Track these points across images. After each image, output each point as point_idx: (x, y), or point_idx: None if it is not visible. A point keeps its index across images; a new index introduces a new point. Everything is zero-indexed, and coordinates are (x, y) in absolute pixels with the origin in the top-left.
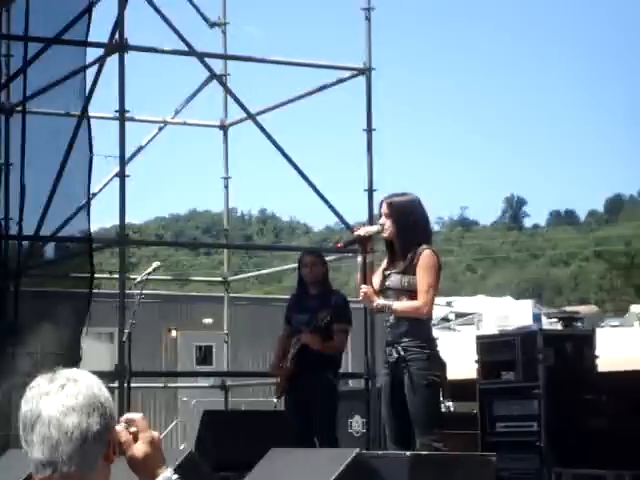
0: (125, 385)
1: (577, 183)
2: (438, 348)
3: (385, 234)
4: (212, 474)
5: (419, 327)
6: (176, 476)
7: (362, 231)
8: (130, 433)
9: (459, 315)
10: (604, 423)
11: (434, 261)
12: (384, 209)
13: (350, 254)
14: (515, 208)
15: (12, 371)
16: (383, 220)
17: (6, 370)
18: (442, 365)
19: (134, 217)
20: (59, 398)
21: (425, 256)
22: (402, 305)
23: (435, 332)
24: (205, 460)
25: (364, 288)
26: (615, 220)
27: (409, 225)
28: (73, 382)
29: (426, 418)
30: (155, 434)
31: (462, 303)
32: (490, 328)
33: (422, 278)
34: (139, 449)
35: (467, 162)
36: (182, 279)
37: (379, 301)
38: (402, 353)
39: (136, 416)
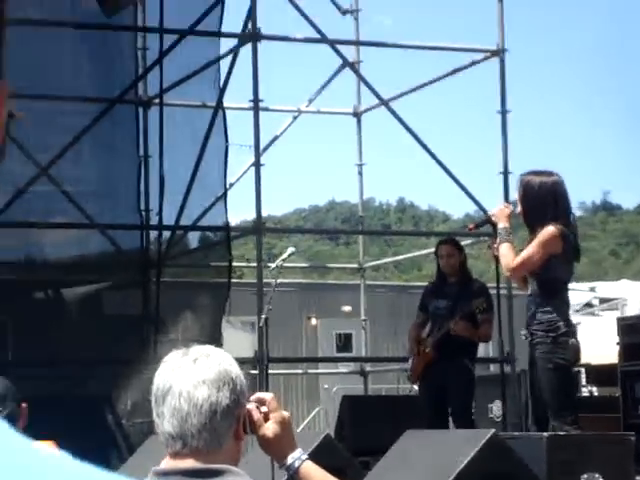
0: (264, 371)
1: None
2: (569, 331)
3: (516, 211)
4: (349, 457)
5: (545, 312)
6: (306, 456)
7: (495, 209)
8: (261, 412)
9: (603, 300)
10: None
11: (550, 237)
12: (517, 185)
13: (487, 238)
14: None
15: (154, 359)
16: (515, 196)
17: (149, 358)
18: (571, 348)
19: (274, 210)
20: (191, 371)
21: (544, 231)
22: (503, 250)
23: (578, 317)
24: (345, 445)
25: (503, 204)
26: None
27: (534, 203)
28: (205, 357)
29: (555, 401)
30: (286, 414)
31: (606, 288)
32: (634, 312)
33: (529, 246)
34: (270, 429)
35: (609, 144)
36: (319, 266)
37: (504, 225)
38: (529, 337)
39: (267, 396)
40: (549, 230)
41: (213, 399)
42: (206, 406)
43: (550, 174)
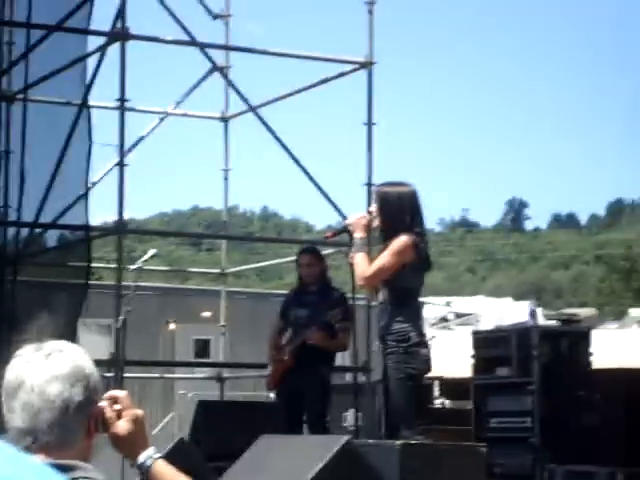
0: (119, 374)
1: (579, 187)
2: (421, 341)
3: (374, 223)
4: (203, 460)
5: (397, 321)
6: (159, 454)
7: (351, 218)
8: (114, 410)
9: (458, 315)
10: (597, 420)
11: (403, 246)
12: (373, 196)
13: (346, 247)
14: (517, 210)
15: (8, 358)
16: (372, 208)
17: (1, 357)
18: (422, 359)
19: (137, 213)
20: (44, 366)
21: (397, 240)
22: (357, 259)
23: (434, 331)
24: (199, 449)
25: (358, 215)
26: (616, 224)
27: (392, 215)
28: (59, 352)
29: (405, 411)
30: (139, 412)
31: (461, 303)
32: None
33: (382, 255)
34: (123, 427)
35: (469, 163)
36: (180, 270)
37: (360, 235)
38: (381, 346)
39: (120, 393)
40: (402, 239)
41: (66, 395)
42: (58, 402)
43: (406, 184)
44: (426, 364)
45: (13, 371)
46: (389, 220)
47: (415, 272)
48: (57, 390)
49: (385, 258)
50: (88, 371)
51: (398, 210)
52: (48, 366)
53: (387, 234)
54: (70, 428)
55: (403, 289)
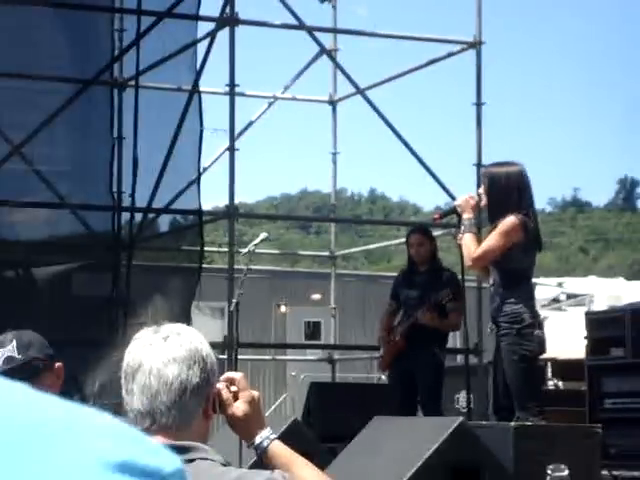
0: (233, 356)
1: None
2: (535, 323)
3: (482, 202)
4: (317, 442)
5: (509, 303)
6: (275, 435)
7: (459, 200)
8: (230, 392)
9: (570, 296)
10: None
11: (511, 226)
12: (482, 177)
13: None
14: (629, 189)
15: (123, 341)
16: (481, 189)
17: (117, 340)
18: (536, 340)
19: (246, 197)
20: (161, 349)
21: (505, 221)
22: (465, 240)
23: (546, 312)
24: (313, 431)
25: (466, 196)
26: None
27: (499, 195)
28: (176, 335)
29: (520, 392)
30: (255, 393)
31: (573, 284)
32: (601, 308)
33: (490, 236)
34: (239, 408)
35: (580, 141)
36: (290, 254)
37: (468, 216)
38: (494, 328)
39: (237, 375)
40: (510, 220)
41: (183, 377)
42: (176, 384)
43: (514, 164)
44: (540, 346)
45: (131, 354)
46: (497, 200)
47: (526, 252)
48: (175, 372)
49: (493, 239)
50: (205, 353)
51: (506, 190)
52: (166, 349)
53: (495, 215)
54: (188, 410)
55: (514, 270)
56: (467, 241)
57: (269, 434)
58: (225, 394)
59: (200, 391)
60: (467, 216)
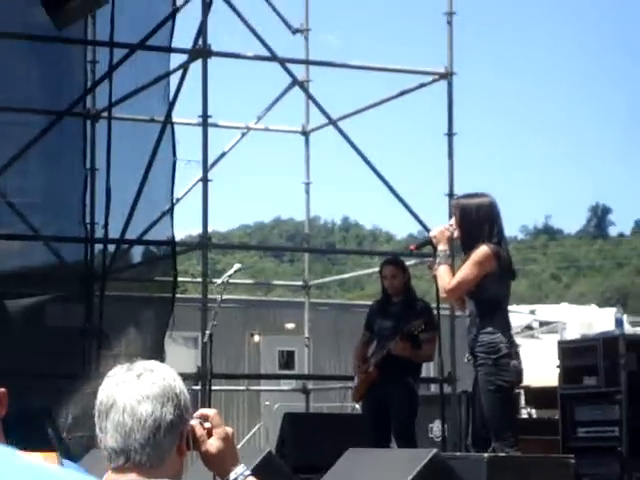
0: (207, 387)
1: None
2: (511, 353)
3: (454, 234)
4: (291, 474)
5: (485, 333)
6: (249, 472)
7: (434, 231)
8: (204, 428)
9: (543, 323)
10: None
11: (483, 256)
12: (453, 209)
13: (430, 259)
14: (600, 216)
15: (96, 373)
16: (452, 220)
17: (91, 372)
18: (513, 370)
19: (219, 225)
20: (135, 386)
21: (477, 251)
22: (440, 272)
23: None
24: (286, 462)
25: (441, 227)
26: None
27: (471, 226)
28: (149, 372)
29: (496, 423)
30: (229, 430)
31: (546, 311)
32: (574, 336)
33: (464, 266)
34: (213, 445)
35: (551, 170)
36: (264, 283)
37: (443, 248)
38: (471, 359)
39: (210, 412)
40: (482, 250)
41: (157, 414)
42: (150, 421)
43: (484, 195)
44: (517, 375)
45: (104, 392)
46: (469, 232)
47: (499, 282)
48: (148, 410)
49: (467, 269)
50: (178, 390)
51: (477, 221)
52: (139, 386)
53: (467, 245)
54: (162, 447)
55: (489, 300)
56: (442, 273)
57: (243, 470)
58: (199, 431)
59: (174, 428)
60: (442, 247)
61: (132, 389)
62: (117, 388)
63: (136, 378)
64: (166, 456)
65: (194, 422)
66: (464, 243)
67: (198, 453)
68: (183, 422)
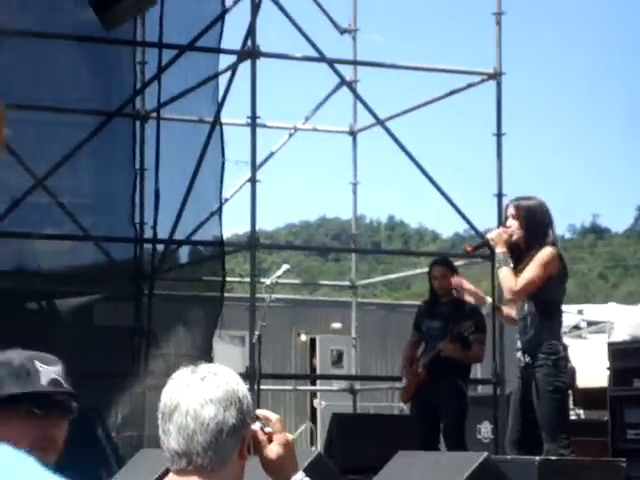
0: (255, 387)
1: None
2: (567, 355)
3: (514, 237)
4: (339, 475)
5: (545, 334)
6: (308, 479)
7: (492, 234)
8: (265, 433)
9: (590, 323)
10: None
11: (549, 257)
12: (511, 211)
13: (480, 259)
14: None
15: (146, 373)
16: (510, 222)
17: (140, 371)
18: (569, 372)
19: (265, 224)
20: (198, 389)
21: (543, 252)
22: (504, 274)
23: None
24: (333, 463)
25: (498, 230)
26: None
27: (535, 228)
28: (213, 375)
29: (552, 424)
30: (290, 437)
31: (593, 311)
32: (622, 336)
33: (529, 267)
34: (273, 450)
35: (599, 169)
36: (311, 283)
37: (501, 250)
38: (528, 360)
39: (273, 417)
40: (548, 251)
41: (220, 418)
42: (212, 425)
43: (535, 198)
44: (572, 377)
45: (168, 394)
46: (534, 233)
47: (559, 284)
48: (211, 413)
49: (533, 271)
50: (241, 394)
51: (542, 223)
52: (203, 389)
53: (531, 247)
54: (224, 451)
55: (549, 301)
56: (506, 275)
57: (302, 477)
58: (260, 435)
59: (236, 432)
60: (500, 250)
61: (196, 392)
62: (181, 391)
63: (200, 381)
64: (228, 460)
65: (256, 427)
66: (528, 244)
67: (259, 458)
68: (245, 426)
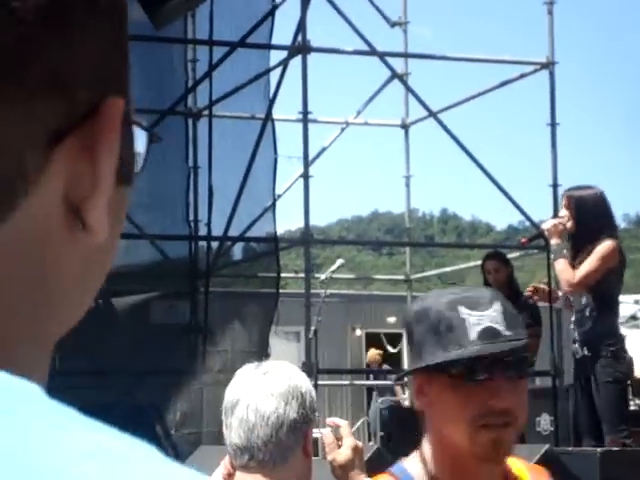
0: (312, 382)
1: None
2: (624, 346)
3: (568, 226)
4: None
5: (602, 325)
6: None
7: (547, 224)
8: (335, 437)
9: None
10: None
11: (609, 250)
12: (564, 202)
13: (535, 251)
14: None
15: (203, 370)
16: (563, 213)
17: (197, 368)
18: (627, 362)
19: (318, 220)
20: (260, 384)
21: (603, 245)
22: (560, 266)
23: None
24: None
25: (554, 221)
26: None
27: (588, 219)
28: (276, 370)
29: (612, 415)
30: (359, 443)
31: None
32: None
33: (588, 260)
34: (342, 454)
35: None
36: (365, 278)
37: (556, 241)
38: (586, 351)
39: (342, 422)
40: (607, 244)
41: (280, 411)
42: (273, 418)
43: (593, 188)
44: (630, 368)
45: (232, 389)
46: (586, 224)
47: (617, 276)
48: (272, 407)
49: (592, 263)
50: (304, 390)
51: (594, 213)
52: (264, 383)
53: (583, 238)
54: (285, 445)
55: (607, 294)
56: (563, 266)
57: None
58: (329, 438)
59: (297, 427)
60: (555, 241)
61: (257, 386)
62: (243, 385)
63: (262, 375)
64: (290, 455)
65: (325, 431)
66: (581, 236)
67: (328, 462)
68: (308, 422)
